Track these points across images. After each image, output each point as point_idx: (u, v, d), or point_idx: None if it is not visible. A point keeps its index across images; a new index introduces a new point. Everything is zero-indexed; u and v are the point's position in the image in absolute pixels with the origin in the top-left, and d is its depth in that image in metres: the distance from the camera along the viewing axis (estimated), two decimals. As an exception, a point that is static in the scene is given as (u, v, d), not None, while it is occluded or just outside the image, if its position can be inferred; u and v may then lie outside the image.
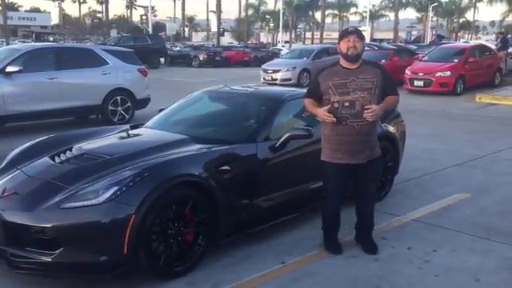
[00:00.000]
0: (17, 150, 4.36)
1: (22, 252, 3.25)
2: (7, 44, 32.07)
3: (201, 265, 3.62)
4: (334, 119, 3.60)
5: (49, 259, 3.18)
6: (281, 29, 51.25)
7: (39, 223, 3.22)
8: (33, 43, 22.77)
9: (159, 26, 59.97)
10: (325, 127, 3.78)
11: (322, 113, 3.65)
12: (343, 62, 3.72)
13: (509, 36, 21.47)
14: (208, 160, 3.77)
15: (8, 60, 8.47)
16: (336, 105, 3.63)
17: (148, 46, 25.67)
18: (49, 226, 3.20)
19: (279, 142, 4.15)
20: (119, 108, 9.66)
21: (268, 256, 3.86)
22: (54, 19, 73.06)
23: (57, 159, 3.95)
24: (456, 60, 15.48)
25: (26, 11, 70.16)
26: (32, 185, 3.57)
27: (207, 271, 3.59)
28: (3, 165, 4.13)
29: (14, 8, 65.69)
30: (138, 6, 69.22)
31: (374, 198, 4.07)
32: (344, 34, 3.71)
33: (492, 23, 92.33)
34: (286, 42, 58.82)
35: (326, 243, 4.01)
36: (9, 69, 8.31)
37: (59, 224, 3.20)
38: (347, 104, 3.61)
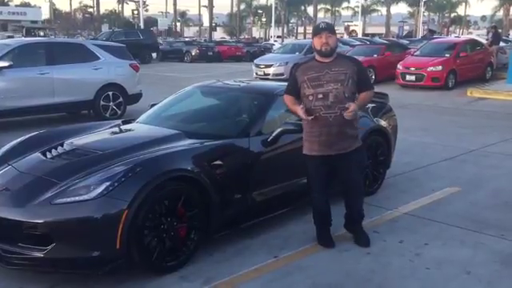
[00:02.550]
0: (8, 146, 4.33)
1: (14, 248, 3.24)
2: (-3, 39, 31.77)
3: (194, 259, 3.62)
4: (312, 117, 3.65)
5: (41, 255, 3.17)
6: (273, 24, 51.10)
7: (31, 219, 3.21)
8: (23, 38, 22.58)
9: (151, 21, 59.55)
10: (303, 121, 3.84)
11: (300, 112, 3.70)
12: (318, 57, 3.80)
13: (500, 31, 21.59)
14: (200, 155, 3.77)
15: (-2, 55, 8.40)
16: (310, 97, 3.71)
17: (140, 41, 25.55)
18: (40, 221, 3.19)
19: (271, 137, 4.16)
20: (111, 103, 9.61)
21: (261, 250, 3.87)
22: (45, 14, 72.25)
23: (48, 155, 3.93)
24: (447, 55, 15.56)
25: (16, 6, 69.41)
26: (23, 180, 3.55)
27: (200, 266, 3.60)
28: (-6, 161, 4.10)
29: (3, 3, 64.96)
30: (130, 0, 68.74)
31: (361, 190, 4.06)
32: (316, 31, 3.79)
33: (483, 18, 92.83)
34: (278, 36, 58.66)
35: (318, 237, 4.03)
36: (-1, 64, 8.23)
37: (51, 220, 3.19)
38: (321, 96, 3.69)
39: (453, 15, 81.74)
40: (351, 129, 3.81)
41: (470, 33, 73.24)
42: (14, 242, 3.25)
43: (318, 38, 3.72)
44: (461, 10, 79.51)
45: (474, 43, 17.49)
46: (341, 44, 19.54)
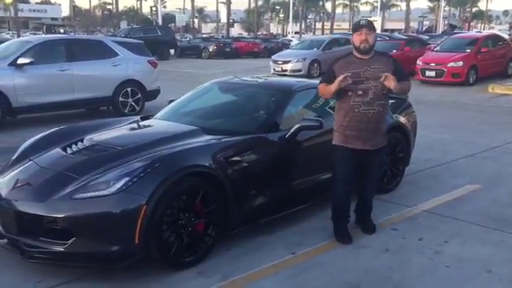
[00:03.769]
0: (29, 142, 4.39)
1: (35, 242, 3.29)
2: (18, 36, 32.27)
3: (211, 255, 3.64)
4: (350, 79, 3.63)
5: (61, 249, 3.22)
6: (291, 19, 50.94)
7: (51, 213, 3.26)
8: (43, 35, 22.90)
9: (169, 18, 59.87)
10: (338, 113, 3.90)
11: (337, 80, 3.66)
12: (356, 53, 3.82)
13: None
14: (218, 151, 3.77)
15: (19, 52, 8.52)
16: (350, 93, 3.75)
17: (158, 38, 25.65)
18: (61, 216, 3.23)
19: (289, 133, 4.14)
20: (130, 99, 9.68)
21: (278, 246, 3.87)
22: (65, 11, 73.26)
23: (68, 150, 3.98)
24: (468, 50, 15.30)
25: (36, 3, 70.44)
26: (44, 175, 3.60)
27: (218, 261, 3.61)
28: (16, 156, 4.17)
29: (24, 0, 65.93)
30: (148, -3, 69.16)
31: (375, 184, 4.24)
32: (356, 27, 3.82)
33: (505, 12, 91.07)
34: (296, 32, 58.46)
35: (335, 233, 4.02)
36: (20, 61, 8.34)
37: (71, 214, 3.23)
38: (360, 92, 3.73)
39: (474, 10, 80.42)
40: (384, 125, 3.95)
41: (492, 28, 72.00)
42: (36, 236, 3.30)
43: (357, 35, 3.74)
44: (482, 5, 78.27)
45: (495, 38, 17.17)
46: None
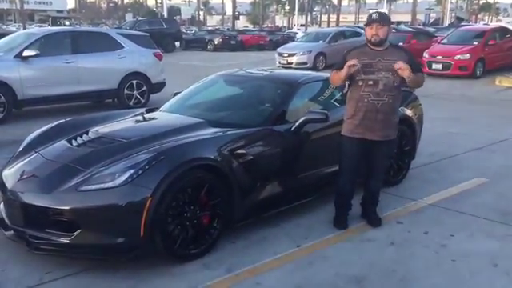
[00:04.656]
0: (34, 134, 4.40)
1: (40, 233, 3.31)
2: (24, 28, 32.33)
3: (216, 248, 3.64)
4: (358, 64, 3.68)
5: (67, 241, 3.23)
6: (296, 12, 50.73)
7: (57, 205, 3.27)
8: (49, 27, 22.97)
9: (174, 10, 59.78)
10: (348, 103, 3.95)
11: (346, 65, 3.70)
12: (370, 45, 3.86)
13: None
14: (223, 144, 3.76)
15: (25, 44, 8.52)
16: (360, 83, 3.80)
17: (163, 30, 25.64)
18: (67, 208, 3.24)
19: (295, 126, 4.13)
20: (135, 92, 9.69)
21: (283, 239, 3.87)
22: (70, 3, 73.32)
23: (74, 142, 3.98)
24: (475, 43, 15.18)
25: (42, -4, 70.41)
26: (50, 168, 3.61)
27: (223, 254, 3.61)
28: (21, 148, 4.18)
29: (30, -8, 65.93)
30: (153, -11, 69.03)
31: (382, 176, 4.23)
32: (368, 22, 3.86)
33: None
34: (301, 25, 58.18)
35: (334, 219, 4.10)
36: (26, 53, 8.35)
37: (77, 206, 3.24)
38: (371, 83, 3.78)
39: (481, 2, 79.70)
40: (395, 117, 3.94)
41: (499, 20, 71.34)
42: (41, 228, 3.32)
43: (369, 29, 3.79)
44: (490, -3, 77.43)
45: (503, 31, 17.00)
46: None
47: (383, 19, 3.80)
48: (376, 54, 3.79)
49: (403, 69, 3.65)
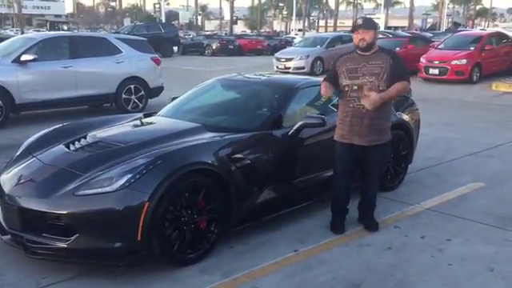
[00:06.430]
0: (32, 138, 4.41)
1: (38, 238, 3.30)
2: (22, 33, 32.31)
3: (214, 252, 3.64)
4: (330, 92, 3.83)
5: (64, 245, 3.23)
6: (294, 17, 50.84)
7: (54, 210, 3.27)
8: (47, 32, 22.94)
9: (172, 15, 59.78)
10: (339, 109, 4.00)
11: (323, 92, 3.87)
12: (358, 50, 3.90)
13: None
14: (221, 148, 3.77)
15: (23, 49, 8.52)
16: (346, 88, 3.85)
17: (161, 35, 25.64)
18: (64, 212, 3.24)
19: (292, 130, 4.14)
20: (133, 96, 9.69)
21: (281, 244, 3.87)
22: (68, 8, 73.41)
23: (71, 147, 3.99)
24: (472, 48, 15.25)
25: (39, 0, 70.49)
26: (47, 172, 3.61)
27: (220, 258, 3.61)
28: (19, 152, 4.18)
29: (28, -3, 65.98)
30: (151, -6, 69.07)
31: (377, 180, 4.22)
32: (353, 28, 3.92)
33: (510, 10, 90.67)
34: (299, 30, 58.32)
35: (331, 224, 4.11)
36: (24, 57, 8.35)
37: (74, 211, 3.23)
38: (355, 88, 3.81)
39: (478, 7, 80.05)
40: (383, 122, 3.94)
41: (496, 25, 71.64)
42: (39, 233, 3.31)
43: (355, 35, 3.85)
44: (486, 2, 77.88)
45: (499, 36, 17.10)
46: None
47: (368, 24, 3.85)
48: (361, 59, 3.82)
49: (366, 97, 3.68)
